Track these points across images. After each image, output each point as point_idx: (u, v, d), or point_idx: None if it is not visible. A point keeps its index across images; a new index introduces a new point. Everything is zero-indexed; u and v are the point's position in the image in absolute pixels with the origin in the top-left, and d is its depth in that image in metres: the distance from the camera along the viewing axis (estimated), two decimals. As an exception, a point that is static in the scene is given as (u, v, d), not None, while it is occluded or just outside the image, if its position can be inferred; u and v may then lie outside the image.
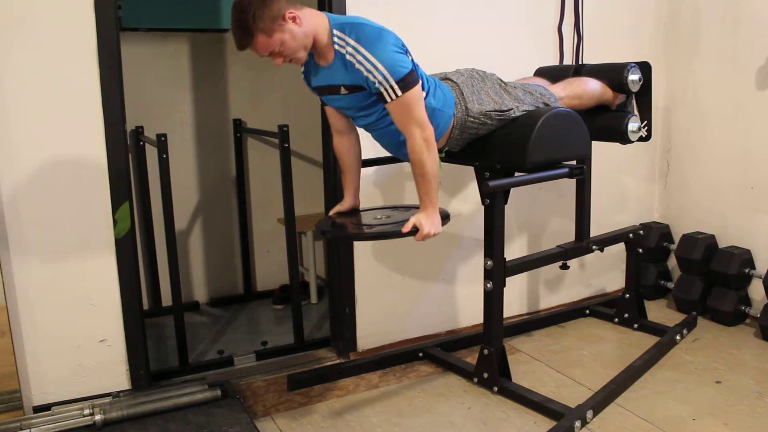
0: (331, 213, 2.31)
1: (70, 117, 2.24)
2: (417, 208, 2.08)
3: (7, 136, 2.17)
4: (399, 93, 1.90)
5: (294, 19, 1.89)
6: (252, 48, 1.94)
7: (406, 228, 1.94)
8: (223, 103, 3.55)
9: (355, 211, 2.28)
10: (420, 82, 1.97)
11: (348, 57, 1.93)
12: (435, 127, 2.08)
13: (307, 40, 1.95)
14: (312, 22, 1.95)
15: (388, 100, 1.92)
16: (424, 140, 1.93)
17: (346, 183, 2.31)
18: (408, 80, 1.89)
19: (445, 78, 2.28)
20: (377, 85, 1.91)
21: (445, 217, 2.09)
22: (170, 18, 3.32)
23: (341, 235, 2.00)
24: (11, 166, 2.19)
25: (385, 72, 1.88)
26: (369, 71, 1.89)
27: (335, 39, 1.95)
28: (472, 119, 2.21)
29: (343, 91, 2.01)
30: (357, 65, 1.91)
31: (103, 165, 2.30)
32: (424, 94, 2.05)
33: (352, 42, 1.91)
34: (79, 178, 2.28)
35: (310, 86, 2.17)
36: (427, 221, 1.96)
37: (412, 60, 2.00)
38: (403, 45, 1.99)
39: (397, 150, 2.21)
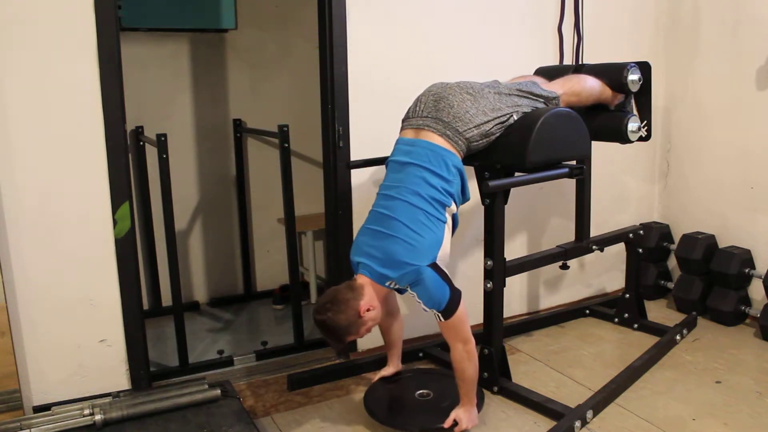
0: (375, 379, 2.51)
1: (70, 117, 2.24)
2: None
3: (6, 136, 2.17)
4: (443, 319, 2.09)
5: (368, 309, 2.07)
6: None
7: (448, 423, 2.18)
8: (223, 103, 3.55)
9: (398, 378, 2.53)
10: (460, 302, 2.09)
11: (403, 290, 2.14)
12: (461, 177, 2.20)
13: (381, 309, 2.15)
14: (376, 297, 2.11)
15: (437, 321, 2.11)
16: (466, 353, 2.14)
17: (390, 354, 2.55)
18: (449, 309, 2.07)
19: (436, 118, 2.21)
20: (426, 311, 2.10)
21: (480, 403, 2.32)
22: (170, 18, 3.32)
23: (393, 423, 2.27)
24: (11, 166, 2.18)
25: (428, 308, 2.08)
26: (419, 303, 2.09)
27: (388, 286, 2.13)
28: (475, 143, 2.23)
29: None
30: (410, 294, 2.11)
31: (103, 165, 2.30)
32: (455, 208, 2.20)
33: (401, 286, 2.11)
34: (79, 178, 2.28)
35: None
36: (466, 416, 2.19)
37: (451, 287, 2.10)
38: (435, 246, 2.10)
39: None
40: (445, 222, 2.15)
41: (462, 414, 2.19)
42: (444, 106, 2.21)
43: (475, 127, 2.20)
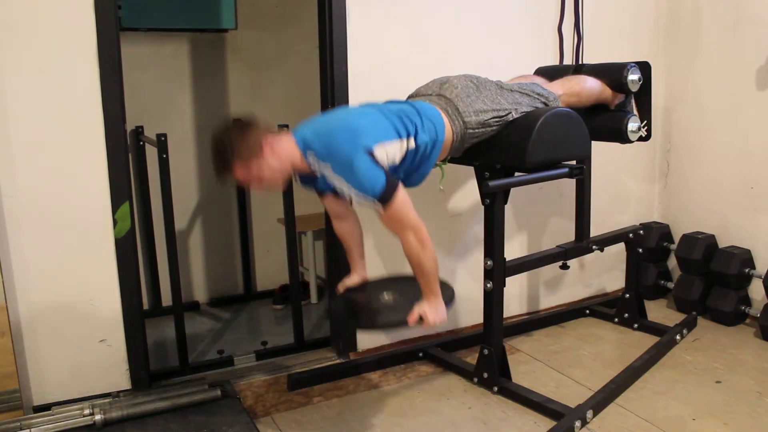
0: (339, 287, 2.33)
1: (70, 117, 2.24)
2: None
3: (7, 136, 2.17)
4: (382, 210, 1.94)
5: (272, 148, 1.91)
6: (230, 177, 1.95)
7: (412, 320, 2.01)
8: (223, 103, 3.55)
9: (364, 286, 2.33)
10: (399, 185, 1.95)
11: (327, 178, 1.96)
12: (432, 149, 2.12)
13: (285, 169, 1.98)
14: (286, 150, 1.96)
15: (377, 213, 1.97)
16: (418, 241, 1.98)
17: (352, 260, 2.36)
18: (385, 195, 1.91)
19: (440, 94, 2.26)
20: (360, 202, 1.94)
21: (449, 300, 2.12)
22: (170, 18, 3.32)
23: (356, 324, 2.10)
24: (11, 166, 2.19)
25: (363, 197, 1.91)
26: (349, 194, 1.93)
27: (309, 162, 1.97)
28: (471, 130, 2.22)
29: (333, 191, 2.06)
30: (337, 187, 1.95)
31: (103, 165, 2.30)
32: (412, 142, 2.06)
33: (324, 169, 1.94)
34: (79, 178, 2.28)
35: (302, 184, 2.18)
36: (431, 310, 2.03)
37: (396, 132, 2.00)
38: (374, 146, 1.94)
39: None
40: (398, 137, 2.02)
41: (427, 308, 2.02)
42: (448, 86, 2.28)
43: (474, 112, 2.21)
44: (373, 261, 2.68)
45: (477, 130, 2.23)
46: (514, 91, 2.34)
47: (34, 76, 2.18)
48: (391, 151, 2.00)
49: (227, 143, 1.89)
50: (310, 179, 2.10)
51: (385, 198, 1.91)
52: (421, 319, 2.01)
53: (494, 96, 2.28)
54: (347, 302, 2.26)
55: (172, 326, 2.80)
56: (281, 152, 1.94)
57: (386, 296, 2.22)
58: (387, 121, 2.03)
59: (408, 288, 2.22)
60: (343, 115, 2.08)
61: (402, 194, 1.95)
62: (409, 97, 2.38)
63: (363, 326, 2.04)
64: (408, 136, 2.05)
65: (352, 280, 2.35)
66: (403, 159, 2.07)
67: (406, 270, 2.11)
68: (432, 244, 2.01)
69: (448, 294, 2.14)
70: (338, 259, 2.75)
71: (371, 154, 1.92)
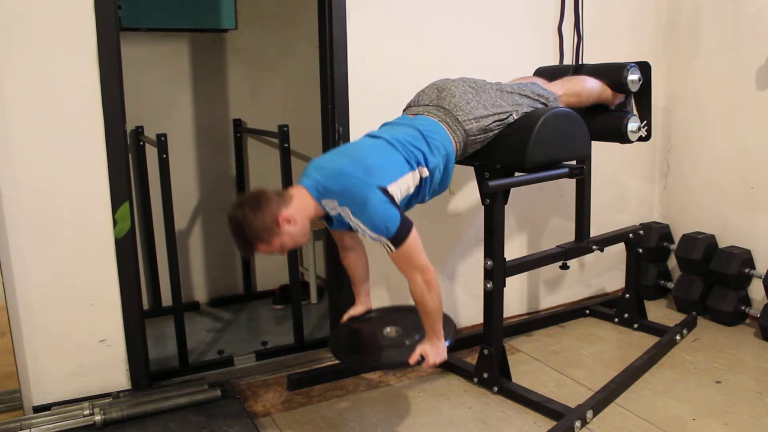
0: (344, 318, 2.35)
1: (70, 117, 2.24)
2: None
3: (7, 136, 2.17)
4: (393, 249, 1.95)
5: (288, 220, 1.92)
6: (256, 251, 1.98)
7: (413, 359, 2.03)
8: (223, 103, 3.55)
9: (368, 317, 2.36)
10: (412, 229, 1.95)
11: (344, 217, 1.97)
12: (447, 164, 2.13)
13: (305, 228, 1.99)
14: (302, 211, 1.97)
15: (387, 251, 1.97)
16: (425, 283, 1.99)
17: (357, 291, 2.38)
18: (399, 236, 1.92)
19: (438, 105, 2.23)
20: (373, 240, 1.96)
21: (450, 336, 2.13)
22: (170, 18, 3.32)
23: (356, 367, 2.16)
24: (11, 166, 2.18)
25: (376, 235, 1.92)
26: (363, 232, 1.95)
27: (326, 208, 1.99)
28: (473, 137, 2.22)
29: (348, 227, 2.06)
30: (352, 225, 1.96)
31: (103, 165, 2.30)
32: (425, 171, 2.07)
33: (340, 209, 1.96)
34: (79, 178, 2.28)
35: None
36: (432, 351, 2.05)
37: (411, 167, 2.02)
38: (390, 189, 1.96)
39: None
40: (411, 169, 2.03)
41: (429, 349, 2.05)
42: (446, 95, 2.24)
43: (474, 119, 2.20)
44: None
45: (479, 136, 2.23)
46: (514, 92, 2.34)
47: (34, 76, 2.18)
48: (404, 186, 2.03)
49: (244, 227, 1.90)
50: (324, 217, 2.10)
51: (398, 239, 1.92)
52: (422, 359, 2.04)
53: (494, 99, 2.27)
54: (350, 334, 2.29)
55: (172, 326, 2.80)
56: (297, 216, 1.94)
57: (389, 330, 2.26)
58: (398, 154, 2.03)
59: (410, 321, 2.25)
60: (353, 153, 2.03)
61: (414, 236, 1.96)
62: (407, 107, 2.35)
63: (366, 368, 2.13)
64: (418, 164, 2.07)
65: (356, 310, 2.37)
66: (419, 186, 2.10)
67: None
68: (439, 287, 2.03)
69: (450, 329, 2.16)
70: (338, 259, 2.75)
71: (386, 192, 1.93)
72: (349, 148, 2.11)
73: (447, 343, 2.10)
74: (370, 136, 2.14)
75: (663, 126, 3.44)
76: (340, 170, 1.95)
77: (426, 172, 2.08)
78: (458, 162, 2.41)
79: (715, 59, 3.18)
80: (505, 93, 2.32)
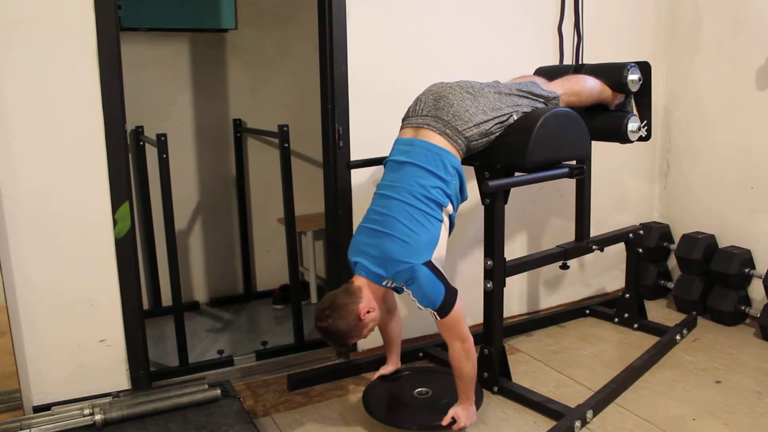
0: (375, 376, 2.50)
1: (70, 117, 2.24)
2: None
3: (7, 136, 2.16)
4: (439, 318, 2.09)
5: (368, 311, 2.08)
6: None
7: (446, 421, 2.18)
8: (223, 103, 3.55)
9: (397, 376, 2.53)
10: (456, 301, 2.09)
11: (398, 286, 2.14)
12: (460, 179, 2.20)
13: (382, 309, 2.21)
14: (374, 298, 2.12)
15: (434, 319, 2.12)
16: (463, 351, 2.13)
17: (389, 352, 2.54)
18: (444, 308, 2.07)
19: (436, 116, 2.21)
20: (422, 308, 2.10)
21: (479, 402, 2.32)
22: (170, 18, 3.32)
23: (394, 425, 2.26)
24: (11, 166, 2.18)
25: (424, 307, 2.08)
26: (414, 301, 2.09)
27: (386, 285, 2.14)
28: (475, 142, 2.23)
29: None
30: (406, 293, 2.11)
31: (103, 165, 2.30)
32: (450, 207, 2.18)
33: (395, 284, 2.12)
34: (79, 178, 2.28)
35: None
36: (464, 414, 2.20)
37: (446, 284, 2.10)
38: (428, 244, 2.09)
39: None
40: (441, 221, 2.14)
41: (460, 412, 2.19)
42: (444, 104, 2.22)
43: (474, 126, 2.20)
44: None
45: (481, 140, 2.24)
46: (512, 94, 2.33)
47: (34, 76, 2.17)
48: (443, 242, 2.15)
49: (337, 335, 2.07)
50: None
51: (443, 311, 2.07)
52: (453, 421, 2.18)
53: (493, 102, 2.26)
54: (381, 391, 2.44)
55: (172, 326, 2.80)
56: (372, 303, 2.10)
57: (420, 390, 2.42)
58: (427, 216, 2.11)
59: (437, 384, 2.44)
60: (392, 230, 2.10)
61: (458, 308, 2.10)
62: (405, 118, 2.32)
63: (400, 425, 2.25)
64: (442, 207, 2.15)
65: (387, 369, 2.52)
66: (450, 221, 2.21)
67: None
68: (475, 356, 2.17)
69: (479, 397, 2.34)
70: (338, 259, 2.75)
71: (430, 266, 2.07)
72: (383, 222, 2.13)
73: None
74: (386, 196, 2.16)
75: (663, 126, 3.44)
76: (389, 257, 2.08)
77: (451, 209, 2.18)
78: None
79: (715, 59, 3.18)
80: (504, 95, 2.31)
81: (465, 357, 2.14)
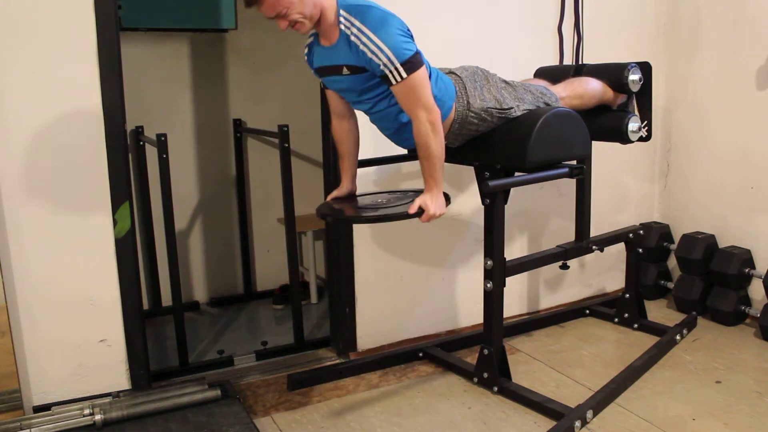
0: (328, 198, 2.29)
1: (70, 117, 2.24)
2: (414, 192, 2.06)
3: (6, 136, 2.17)
4: (404, 75, 1.89)
5: None
6: (259, 7, 1.89)
7: (412, 209, 1.95)
8: (223, 103, 3.55)
9: (353, 197, 2.27)
10: (425, 65, 1.97)
11: (353, 38, 1.92)
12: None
13: (315, 10, 1.93)
14: (324, 3, 1.94)
15: (393, 82, 1.92)
16: (429, 123, 1.94)
17: (343, 168, 2.29)
18: (413, 62, 1.89)
19: (450, 72, 2.28)
20: (382, 67, 1.90)
21: (446, 200, 2.10)
22: (170, 18, 3.32)
23: (344, 217, 2.01)
24: (11, 166, 2.19)
25: (390, 54, 1.87)
26: (373, 53, 1.89)
27: (341, 19, 1.94)
28: (473, 114, 2.21)
29: (345, 71, 2.00)
30: (361, 47, 1.90)
31: (103, 165, 2.30)
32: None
33: (357, 23, 1.91)
34: (79, 178, 2.28)
35: (312, 67, 2.16)
36: (433, 202, 1.97)
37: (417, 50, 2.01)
38: (409, 30, 1.98)
39: (397, 134, 2.21)
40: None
41: (428, 200, 1.97)
42: (459, 68, 2.29)
43: (479, 96, 2.21)
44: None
45: (478, 116, 2.22)
46: (518, 88, 2.35)
47: (34, 76, 2.17)
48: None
49: None
50: (324, 54, 2.03)
51: (410, 66, 1.87)
52: (420, 211, 1.95)
53: (500, 89, 2.29)
54: (335, 207, 2.17)
55: (172, 326, 2.80)
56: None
57: (378, 200, 2.16)
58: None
59: (399, 198, 2.14)
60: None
61: (424, 72, 1.91)
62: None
63: (354, 218, 1.99)
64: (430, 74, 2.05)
65: (340, 191, 2.28)
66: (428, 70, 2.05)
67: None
68: (443, 132, 1.96)
69: (445, 195, 2.10)
70: (338, 260, 2.75)
71: (406, 31, 1.93)
72: None
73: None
74: None
75: (663, 126, 3.44)
76: (369, 4, 1.94)
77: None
78: (456, 160, 2.41)
79: (715, 59, 3.18)
80: (510, 87, 2.34)
81: (432, 130, 1.94)
